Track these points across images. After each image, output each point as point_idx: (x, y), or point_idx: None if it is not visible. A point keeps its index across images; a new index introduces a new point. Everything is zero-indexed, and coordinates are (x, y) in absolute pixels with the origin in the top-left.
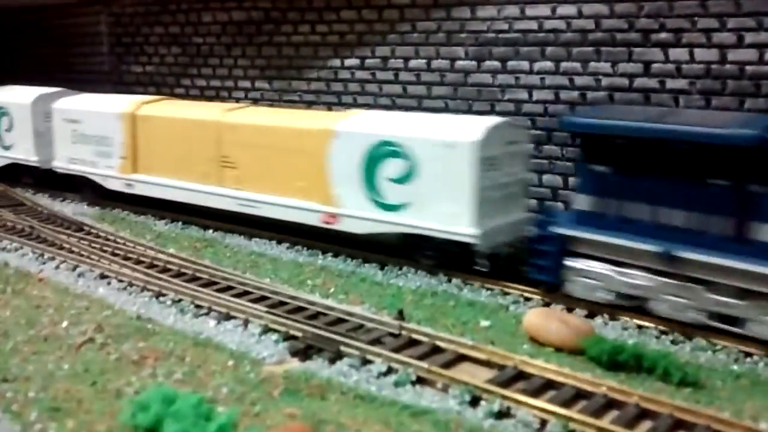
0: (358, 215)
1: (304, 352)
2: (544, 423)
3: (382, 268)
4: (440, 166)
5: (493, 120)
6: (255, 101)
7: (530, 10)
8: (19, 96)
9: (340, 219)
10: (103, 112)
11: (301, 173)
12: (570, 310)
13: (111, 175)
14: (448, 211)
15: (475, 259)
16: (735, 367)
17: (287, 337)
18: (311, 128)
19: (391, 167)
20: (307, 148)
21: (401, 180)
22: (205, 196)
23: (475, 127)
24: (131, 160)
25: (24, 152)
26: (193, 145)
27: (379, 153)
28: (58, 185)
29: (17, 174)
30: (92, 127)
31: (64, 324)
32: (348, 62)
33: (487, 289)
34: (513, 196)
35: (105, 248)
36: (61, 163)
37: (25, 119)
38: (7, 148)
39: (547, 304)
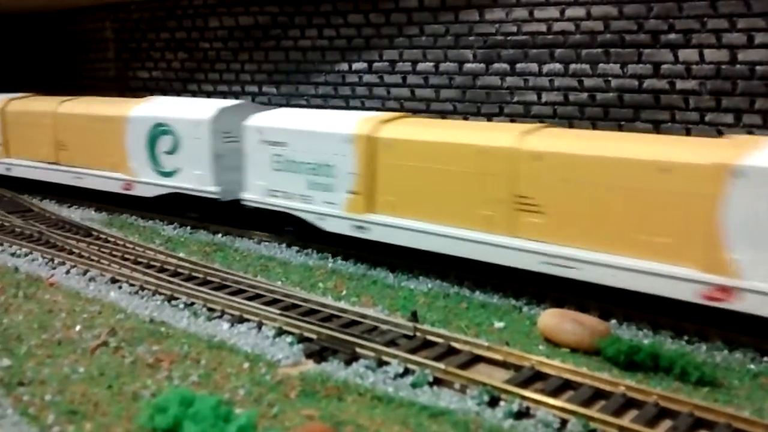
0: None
1: (320, 354)
2: (564, 423)
3: (392, 271)
4: None
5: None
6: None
7: (539, 13)
8: (189, 110)
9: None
10: (323, 133)
11: (664, 223)
12: (584, 310)
13: (333, 213)
14: None
15: None
16: (752, 366)
17: (302, 339)
18: (691, 161)
19: None
20: (686, 189)
21: None
22: (484, 248)
23: None
24: (366, 195)
25: (196, 180)
26: (464, 180)
27: None
28: (241, 222)
29: (178, 205)
30: (305, 152)
31: (78, 328)
32: (356, 66)
33: (500, 290)
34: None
35: (115, 253)
36: (255, 195)
37: (200, 139)
38: (167, 174)
39: (560, 305)
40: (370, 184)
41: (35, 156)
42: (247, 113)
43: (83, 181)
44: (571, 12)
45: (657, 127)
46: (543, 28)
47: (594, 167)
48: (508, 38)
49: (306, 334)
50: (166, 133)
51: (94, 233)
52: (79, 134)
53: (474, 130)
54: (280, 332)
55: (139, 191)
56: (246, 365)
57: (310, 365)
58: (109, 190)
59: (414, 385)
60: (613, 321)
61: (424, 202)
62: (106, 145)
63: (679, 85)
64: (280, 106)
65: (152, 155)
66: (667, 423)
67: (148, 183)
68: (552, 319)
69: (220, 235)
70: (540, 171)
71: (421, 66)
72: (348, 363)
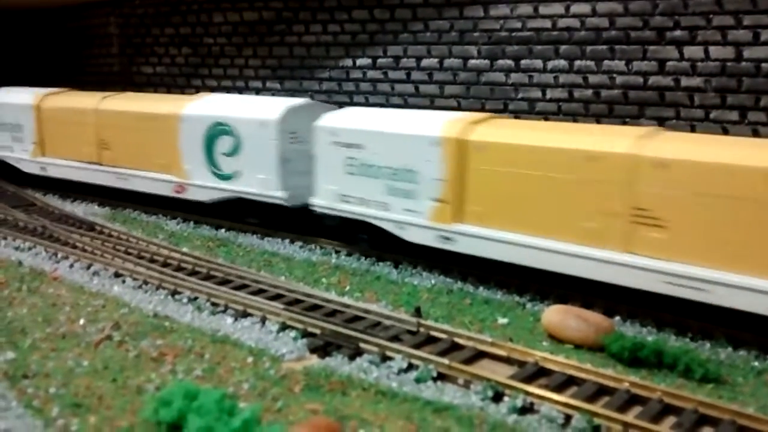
0: None
1: (323, 348)
2: (568, 418)
3: (396, 267)
4: None
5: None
6: None
7: (544, 9)
8: (253, 109)
9: None
10: (406, 135)
11: None
12: (588, 307)
13: (414, 222)
14: None
15: None
16: (756, 363)
17: (305, 334)
18: None
19: None
20: None
21: None
22: (593, 264)
23: None
24: (454, 204)
25: (259, 185)
26: (569, 189)
27: None
28: (305, 228)
29: (236, 211)
30: (383, 155)
31: (81, 321)
32: (360, 62)
33: (503, 286)
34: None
35: (118, 247)
36: (325, 201)
37: (266, 141)
38: (225, 177)
39: (564, 302)
40: (459, 191)
41: (74, 155)
42: (315, 112)
43: (128, 183)
44: (576, 8)
45: (662, 125)
46: (548, 24)
47: (732, 177)
48: (513, 34)
49: (310, 329)
50: (226, 134)
51: (98, 227)
52: (124, 133)
53: (579, 134)
54: (284, 327)
55: (192, 195)
56: (250, 359)
57: (314, 360)
58: (159, 193)
59: (418, 380)
60: (617, 318)
61: (521, 213)
62: (156, 145)
63: (684, 82)
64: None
65: (209, 157)
66: (671, 419)
67: (203, 186)
68: (556, 315)
69: (223, 230)
70: (664, 181)
71: (425, 62)
72: (352, 358)
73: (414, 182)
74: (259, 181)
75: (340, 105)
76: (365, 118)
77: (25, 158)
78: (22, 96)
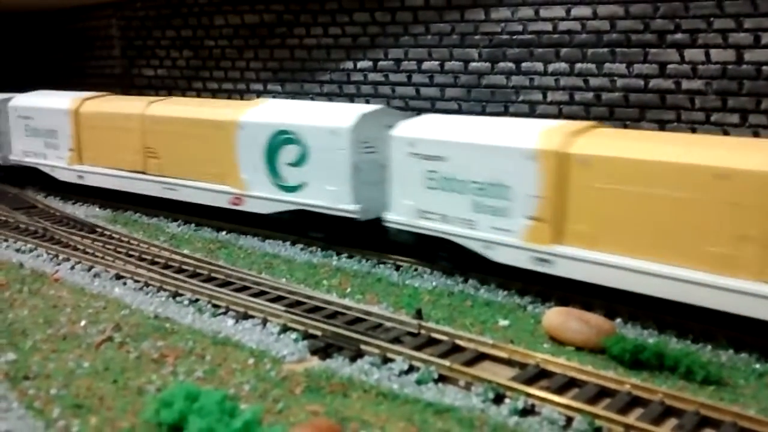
0: None
1: (324, 350)
2: (569, 420)
3: (397, 269)
4: None
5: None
6: None
7: (545, 12)
8: (322, 116)
9: None
10: (497, 147)
11: None
12: (589, 309)
13: (505, 242)
14: None
15: None
16: (757, 366)
17: (306, 336)
18: None
19: None
20: None
21: None
22: (726, 296)
23: None
24: (552, 223)
25: (328, 197)
26: (692, 210)
27: None
28: (375, 244)
29: (298, 224)
30: (470, 169)
31: (82, 323)
32: (361, 64)
33: (504, 288)
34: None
35: (119, 249)
36: (401, 216)
37: (337, 150)
38: (289, 189)
39: (565, 304)
40: (559, 209)
41: (116, 163)
42: (387, 120)
43: (178, 193)
44: (577, 11)
45: (662, 127)
46: (549, 27)
47: None
48: (514, 37)
49: (311, 331)
50: (291, 142)
51: (99, 230)
52: (173, 140)
53: (706, 147)
54: (285, 329)
55: (251, 207)
56: (251, 361)
57: (314, 362)
58: (212, 204)
59: (419, 382)
60: (618, 320)
61: (634, 234)
62: (210, 154)
63: (685, 85)
64: None
65: (271, 167)
66: (672, 421)
67: (264, 198)
68: (557, 317)
69: (224, 232)
70: None
71: (426, 65)
72: (353, 360)
73: (505, 198)
74: (328, 193)
75: (418, 111)
76: (447, 127)
77: (60, 166)
78: (58, 100)
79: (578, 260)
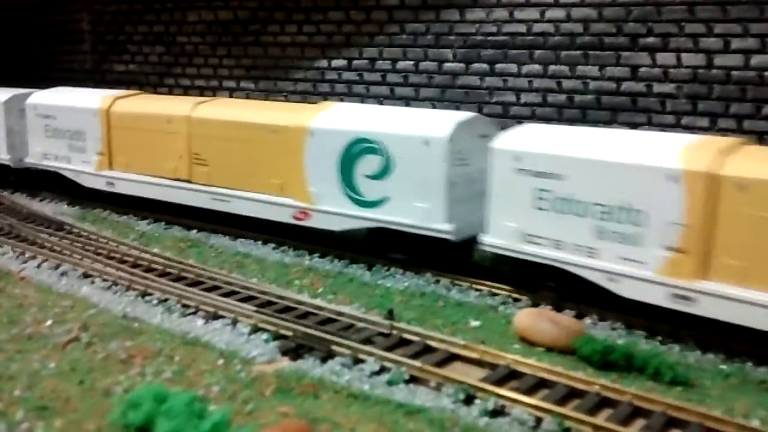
0: None
1: (295, 351)
2: (539, 421)
3: (369, 269)
4: None
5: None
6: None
7: (519, 14)
8: (410, 123)
9: None
10: (630, 165)
11: None
12: (559, 310)
13: (636, 275)
14: None
15: None
16: (724, 366)
17: (277, 337)
18: None
19: None
20: None
21: None
22: None
23: None
24: (697, 255)
25: (417, 215)
26: None
27: None
28: (467, 268)
29: (375, 242)
30: (592, 189)
31: (48, 323)
32: (335, 63)
33: (476, 290)
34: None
35: (87, 247)
36: (502, 239)
37: (428, 163)
38: (368, 204)
39: (536, 305)
40: (706, 239)
41: (155, 170)
42: (482, 129)
43: (230, 205)
44: (551, 14)
45: (634, 130)
46: (523, 29)
47: None
48: (488, 38)
49: (282, 332)
50: (372, 152)
51: (67, 227)
52: (226, 146)
53: None
54: (256, 329)
55: (319, 223)
56: (220, 362)
57: (285, 363)
58: (272, 218)
59: (390, 383)
60: (588, 320)
61: None
62: (270, 163)
63: (656, 88)
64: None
65: (346, 179)
66: (640, 422)
67: (335, 213)
68: (528, 318)
69: (195, 231)
70: None
71: (401, 64)
72: (324, 360)
73: (637, 225)
74: (416, 210)
75: (501, 117)
76: (563, 139)
77: (86, 171)
78: (84, 98)
79: (730, 299)
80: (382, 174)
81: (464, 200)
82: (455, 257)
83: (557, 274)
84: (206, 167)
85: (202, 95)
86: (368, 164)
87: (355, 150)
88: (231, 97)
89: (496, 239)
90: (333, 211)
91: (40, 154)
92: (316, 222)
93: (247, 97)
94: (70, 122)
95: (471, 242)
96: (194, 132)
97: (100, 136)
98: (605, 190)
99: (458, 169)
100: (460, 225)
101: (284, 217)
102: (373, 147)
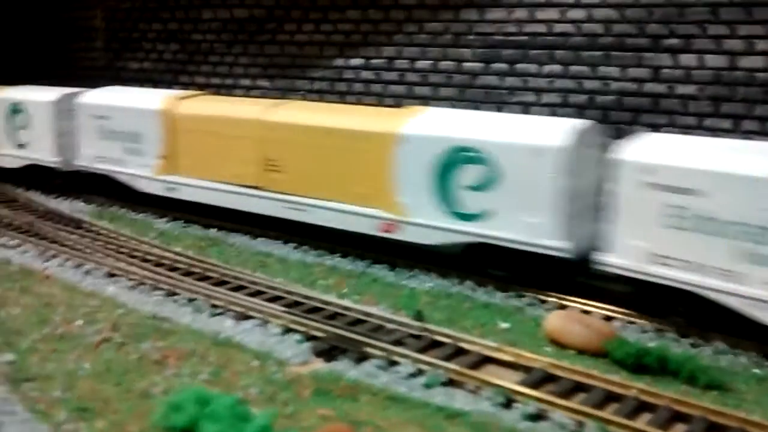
0: None
1: (329, 352)
2: (580, 425)
3: (392, 269)
4: None
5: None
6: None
7: (540, 14)
8: (517, 130)
9: None
10: None
11: None
12: (587, 312)
13: None
14: None
15: None
16: (757, 370)
17: (309, 338)
18: None
19: None
20: None
21: None
22: None
23: None
24: None
25: (526, 230)
26: None
27: None
28: (577, 288)
29: (472, 257)
30: (735, 207)
31: (79, 322)
32: (353, 62)
33: (502, 290)
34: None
35: (109, 246)
36: (626, 260)
37: (540, 174)
38: (467, 217)
39: (563, 307)
40: None
41: (222, 176)
42: (598, 138)
43: (308, 215)
44: (572, 14)
45: (655, 131)
46: (543, 29)
47: None
48: (508, 38)
49: (313, 333)
50: (474, 161)
51: (85, 225)
52: (303, 152)
53: None
54: (287, 330)
55: (410, 236)
56: (255, 363)
57: (319, 364)
58: (354, 229)
59: (427, 386)
60: (617, 323)
61: None
62: (355, 171)
63: (679, 89)
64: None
65: (443, 190)
66: (680, 427)
67: (429, 226)
68: (559, 320)
69: (214, 230)
70: None
71: (419, 64)
72: (358, 362)
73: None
74: (526, 225)
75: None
76: (702, 151)
77: (145, 175)
78: (143, 98)
79: None
80: (485, 185)
81: (579, 215)
82: (563, 276)
83: (688, 299)
84: (280, 174)
85: (217, 93)
86: (469, 174)
87: (454, 159)
88: (247, 95)
89: (619, 259)
90: (426, 223)
91: (92, 156)
92: (405, 235)
93: (264, 96)
94: (126, 123)
95: (582, 260)
96: (267, 136)
97: (160, 139)
98: (754, 209)
99: (573, 181)
100: (578, 243)
101: (369, 228)
102: (475, 156)
